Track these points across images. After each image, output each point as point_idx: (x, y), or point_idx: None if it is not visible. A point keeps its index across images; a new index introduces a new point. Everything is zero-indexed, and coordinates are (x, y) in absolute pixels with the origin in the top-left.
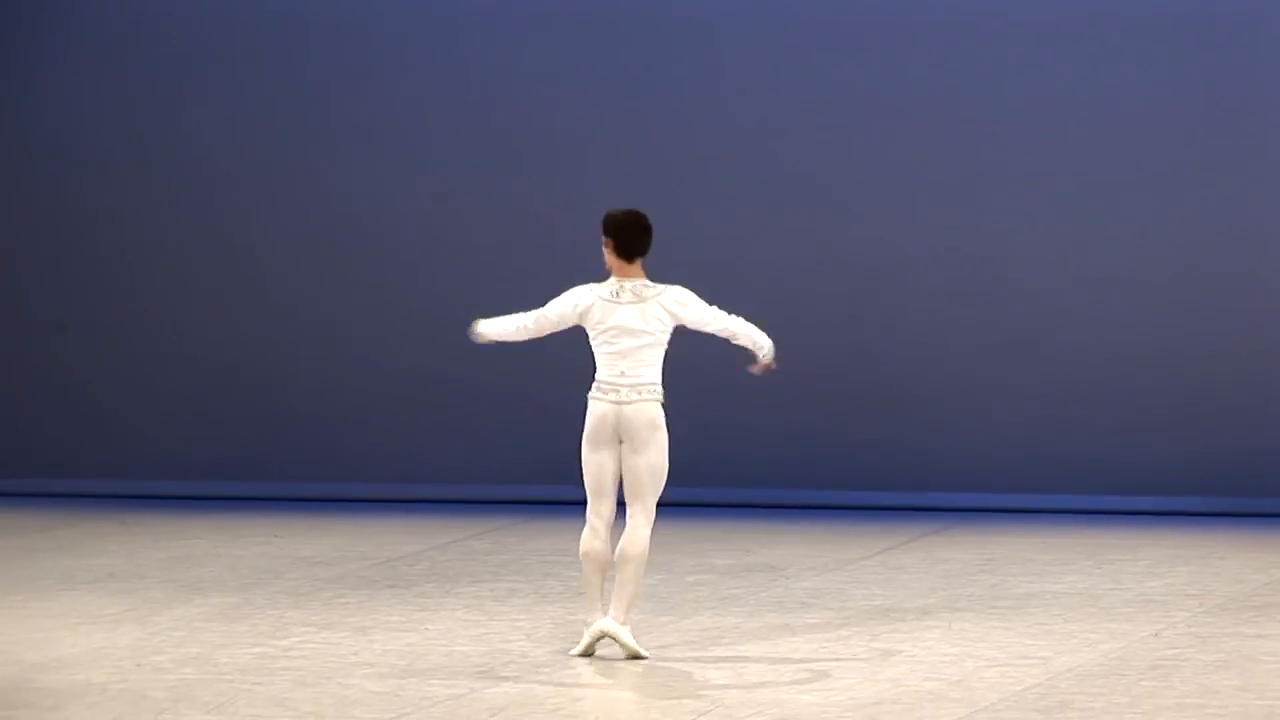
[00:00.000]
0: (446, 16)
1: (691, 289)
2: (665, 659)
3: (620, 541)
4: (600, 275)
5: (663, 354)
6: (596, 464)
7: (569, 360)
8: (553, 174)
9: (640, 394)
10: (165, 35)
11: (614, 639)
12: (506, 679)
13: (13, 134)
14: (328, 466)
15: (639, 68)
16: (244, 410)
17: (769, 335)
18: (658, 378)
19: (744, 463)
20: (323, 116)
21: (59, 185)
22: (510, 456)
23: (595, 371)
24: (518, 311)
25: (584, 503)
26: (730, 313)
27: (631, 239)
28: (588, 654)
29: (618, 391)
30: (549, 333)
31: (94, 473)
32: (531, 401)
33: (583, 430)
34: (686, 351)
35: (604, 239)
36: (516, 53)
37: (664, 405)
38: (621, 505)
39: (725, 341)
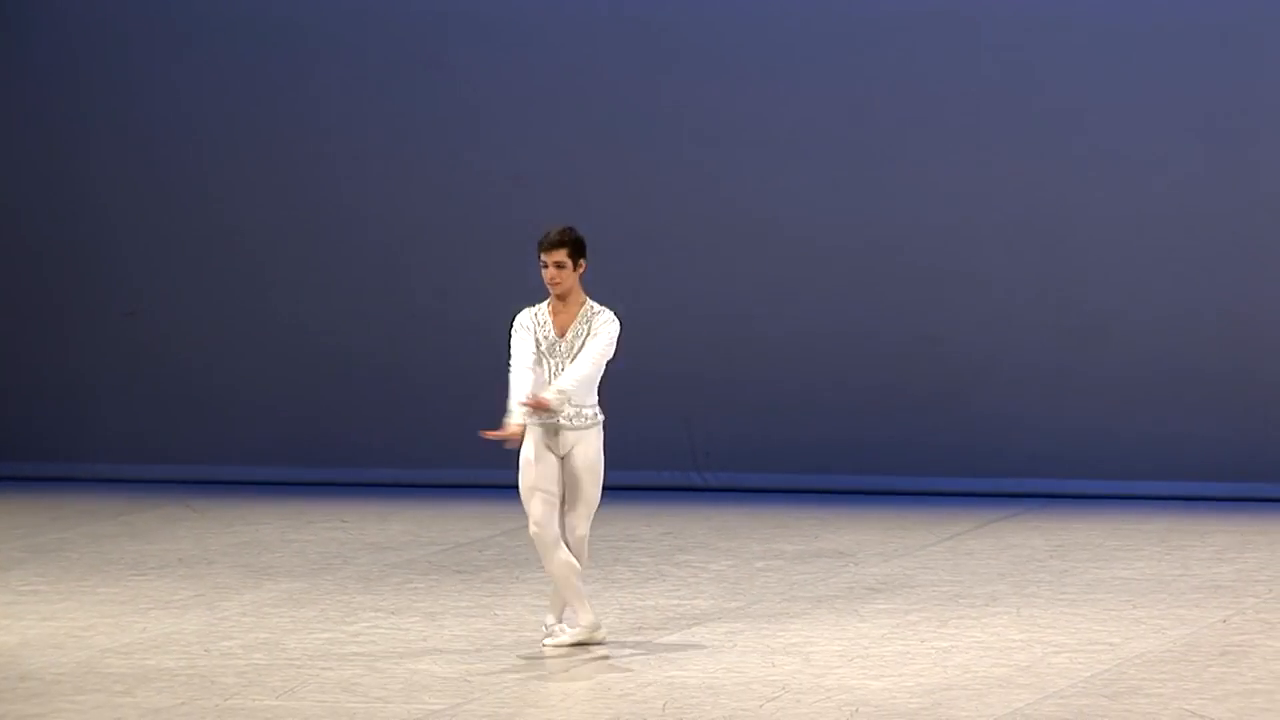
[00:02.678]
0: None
1: (763, 278)
2: (734, 645)
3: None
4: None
5: None
6: None
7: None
8: (606, 163)
9: None
10: (258, 19)
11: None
12: (574, 664)
13: (109, 122)
14: (397, 452)
15: (693, 54)
16: (314, 395)
17: (837, 317)
18: None
19: (813, 448)
20: (406, 102)
21: (140, 171)
22: None
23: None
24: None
25: (652, 489)
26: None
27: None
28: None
29: None
30: None
31: (164, 458)
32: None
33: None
34: (758, 337)
35: (583, 261)
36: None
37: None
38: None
39: (799, 325)
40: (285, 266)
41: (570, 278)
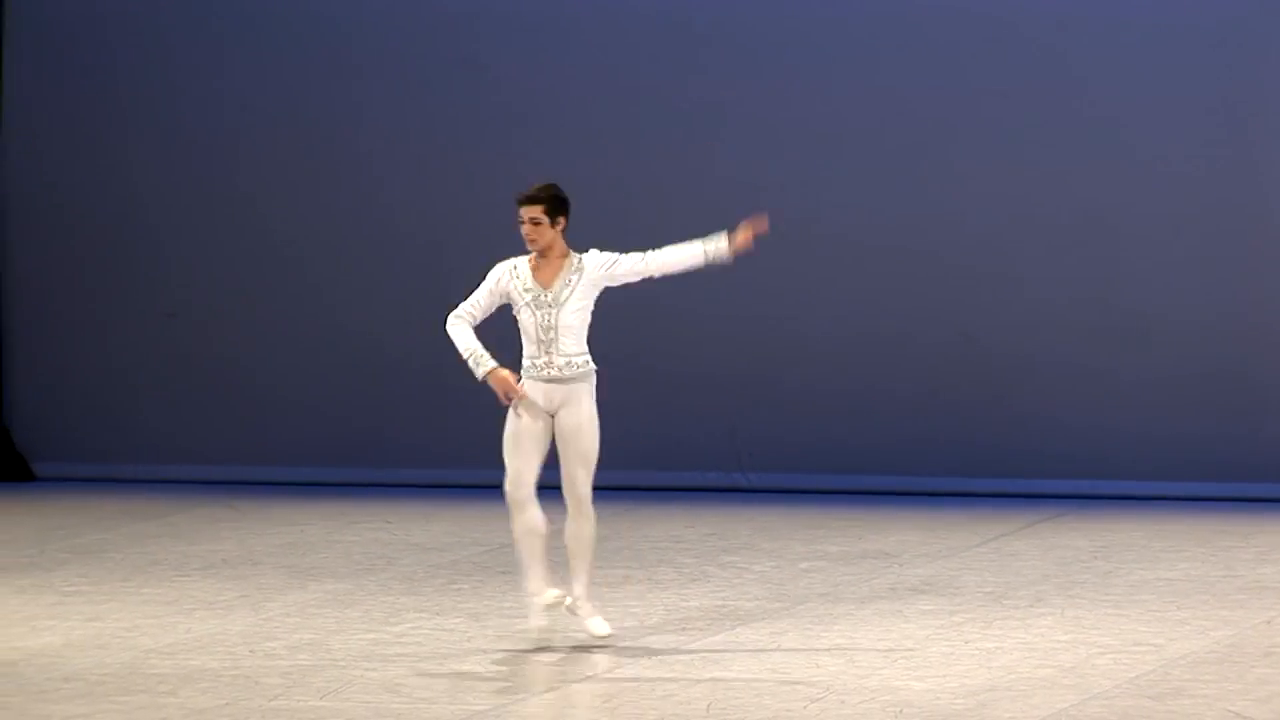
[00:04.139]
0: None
1: (804, 279)
2: (778, 646)
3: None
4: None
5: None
6: None
7: (667, 349)
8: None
9: None
10: (315, 20)
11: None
12: (619, 664)
13: (150, 123)
14: (440, 452)
15: (733, 52)
16: (357, 396)
17: (879, 319)
18: None
19: (856, 449)
20: (446, 101)
21: (181, 172)
22: (624, 443)
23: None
24: None
25: (696, 489)
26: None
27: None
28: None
29: None
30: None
31: (207, 459)
32: (642, 387)
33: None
34: (800, 339)
35: (563, 219)
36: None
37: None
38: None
39: (840, 327)
40: (327, 267)
41: (546, 234)
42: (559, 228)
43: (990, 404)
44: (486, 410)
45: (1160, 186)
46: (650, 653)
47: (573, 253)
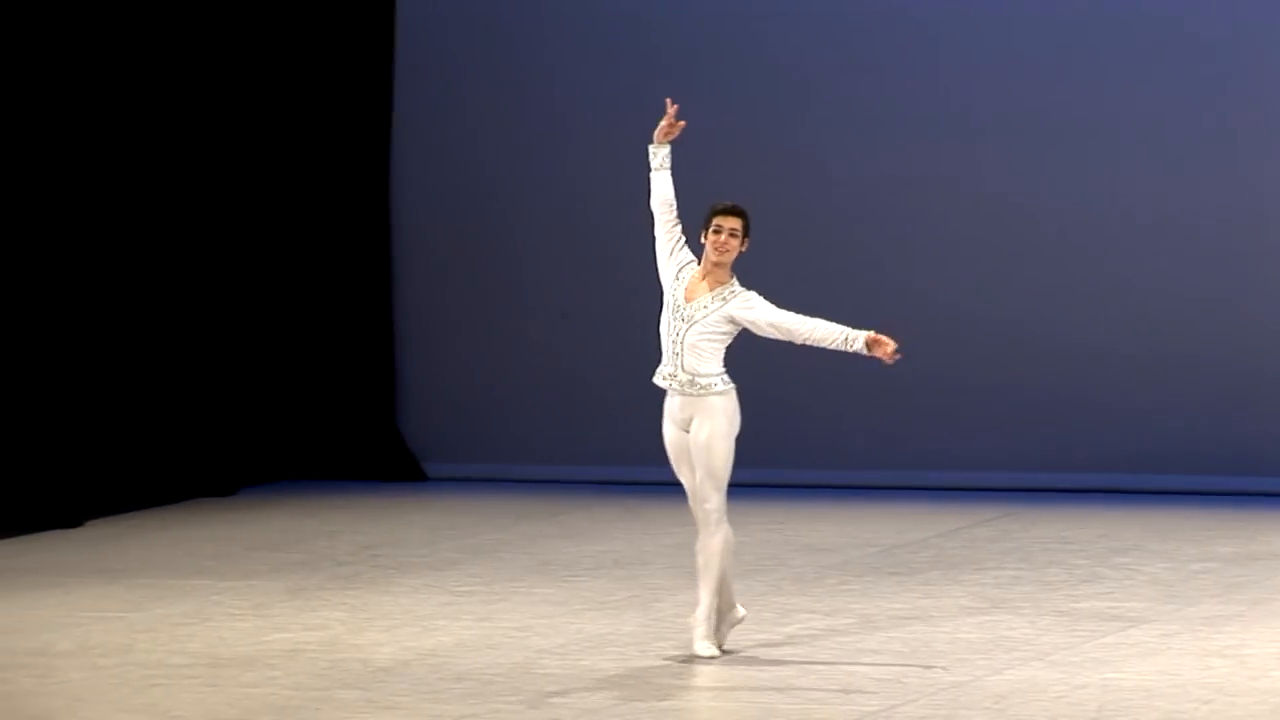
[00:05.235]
0: None
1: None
2: (1168, 648)
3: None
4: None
5: None
6: None
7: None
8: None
9: None
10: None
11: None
12: (1010, 666)
13: (555, 123)
14: (831, 453)
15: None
16: (754, 399)
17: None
18: None
19: (1239, 449)
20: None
21: (564, 174)
22: (1014, 445)
23: (723, 363)
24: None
25: (1088, 491)
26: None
27: None
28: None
29: None
30: None
31: (597, 459)
32: (1036, 388)
33: (735, 422)
34: (1142, 335)
35: (749, 240)
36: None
37: None
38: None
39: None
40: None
41: (737, 248)
42: (744, 248)
43: None
44: (883, 411)
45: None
46: (1040, 654)
47: (734, 281)
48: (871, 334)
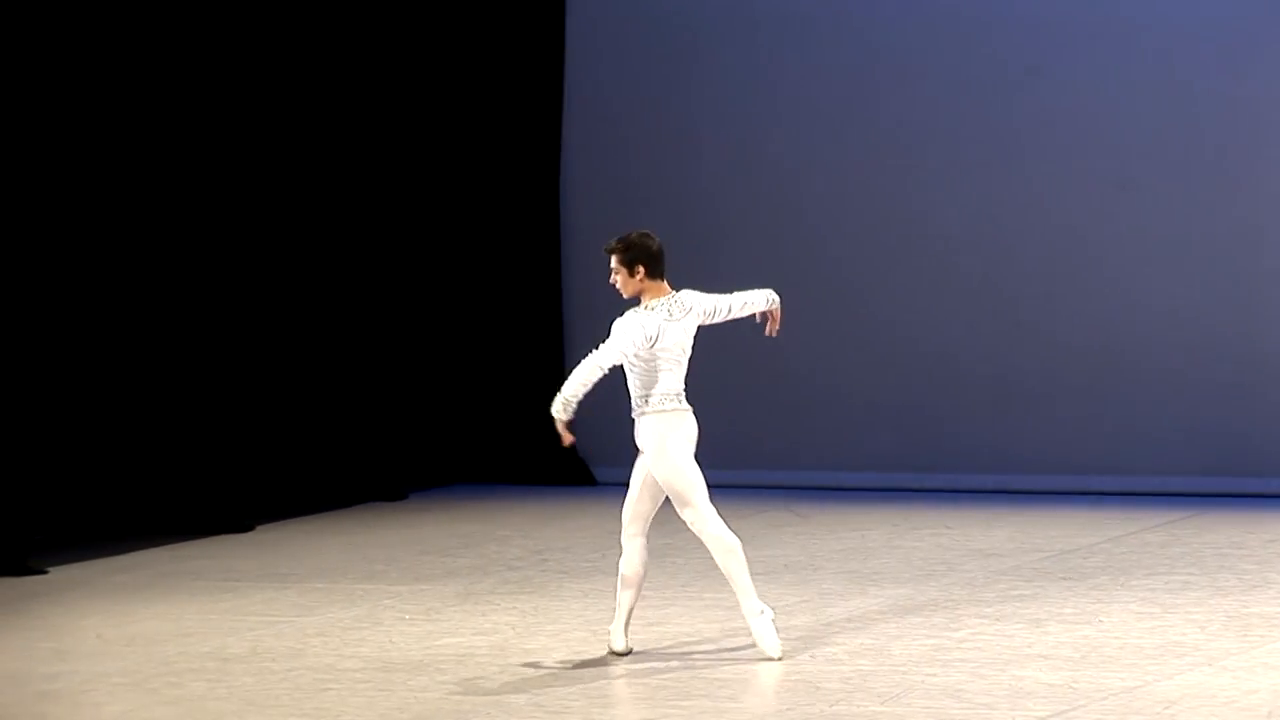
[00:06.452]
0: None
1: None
2: None
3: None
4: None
5: None
6: (696, 470)
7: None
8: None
9: None
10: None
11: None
12: (1180, 671)
13: (719, 123)
14: (1002, 458)
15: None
16: (918, 402)
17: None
18: None
19: None
20: (1003, 110)
21: (737, 167)
22: (1186, 450)
23: (653, 387)
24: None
25: (1259, 496)
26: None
27: (661, 259)
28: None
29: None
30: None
31: (770, 463)
32: (1211, 393)
33: (675, 443)
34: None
35: (631, 268)
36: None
37: None
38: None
39: None
40: (890, 272)
41: (627, 279)
42: (637, 277)
43: None
44: (1048, 416)
45: None
46: (1210, 659)
47: (661, 296)
48: (777, 304)
